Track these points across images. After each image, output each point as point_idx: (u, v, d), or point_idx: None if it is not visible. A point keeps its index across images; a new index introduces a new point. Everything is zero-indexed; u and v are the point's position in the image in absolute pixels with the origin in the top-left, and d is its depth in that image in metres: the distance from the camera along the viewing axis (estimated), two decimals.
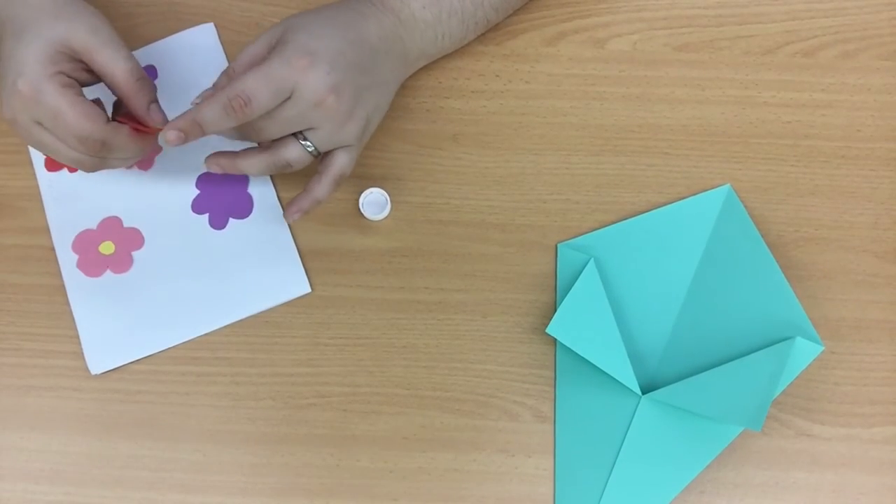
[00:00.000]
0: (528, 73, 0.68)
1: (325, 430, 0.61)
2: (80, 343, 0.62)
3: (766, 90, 0.67)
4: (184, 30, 0.69)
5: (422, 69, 0.66)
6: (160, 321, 0.63)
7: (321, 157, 0.59)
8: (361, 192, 0.64)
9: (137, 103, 0.57)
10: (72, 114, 0.54)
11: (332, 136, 0.57)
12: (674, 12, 0.69)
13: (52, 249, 0.64)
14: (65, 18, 0.55)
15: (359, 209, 0.64)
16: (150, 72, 0.67)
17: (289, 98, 0.55)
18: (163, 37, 0.68)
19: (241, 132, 0.58)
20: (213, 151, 0.60)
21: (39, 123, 0.55)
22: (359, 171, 0.64)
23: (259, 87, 0.54)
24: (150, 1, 0.69)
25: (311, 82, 0.55)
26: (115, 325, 0.62)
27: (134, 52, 0.67)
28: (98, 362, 0.62)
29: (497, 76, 0.68)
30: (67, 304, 0.63)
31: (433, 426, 0.61)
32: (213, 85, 0.58)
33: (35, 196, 0.66)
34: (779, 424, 0.61)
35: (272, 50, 0.57)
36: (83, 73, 0.57)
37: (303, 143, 0.57)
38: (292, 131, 0.57)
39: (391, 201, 0.65)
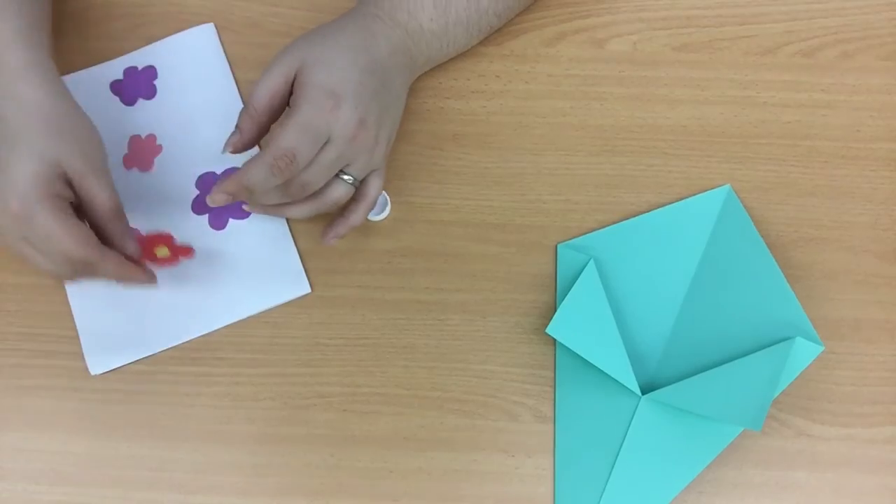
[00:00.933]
0: (528, 73, 0.68)
1: (325, 430, 0.61)
2: (79, 343, 0.62)
3: (766, 90, 0.67)
4: (184, 30, 0.69)
5: None
6: (160, 321, 0.63)
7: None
8: None
9: (113, 232, 0.57)
10: (66, 237, 0.53)
11: (366, 165, 0.59)
12: (674, 12, 0.69)
13: None
14: (61, 137, 0.54)
15: None
16: (150, 72, 0.67)
17: (326, 142, 0.56)
18: (163, 37, 0.68)
19: (289, 193, 0.58)
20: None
21: (26, 239, 0.54)
22: None
23: (300, 141, 0.54)
24: (149, 1, 0.69)
25: (342, 121, 0.55)
26: (115, 326, 0.62)
27: (134, 53, 0.67)
28: (98, 363, 0.62)
29: (497, 77, 0.68)
30: (67, 304, 0.63)
31: (433, 426, 0.61)
32: (237, 126, 0.58)
33: None
34: (779, 424, 0.61)
35: (294, 91, 0.56)
36: (73, 194, 0.56)
37: (344, 177, 0.58)
38: (334, 174, 0.58)
39: (391, 201, 0.65)
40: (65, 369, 0.62)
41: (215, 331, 0.63)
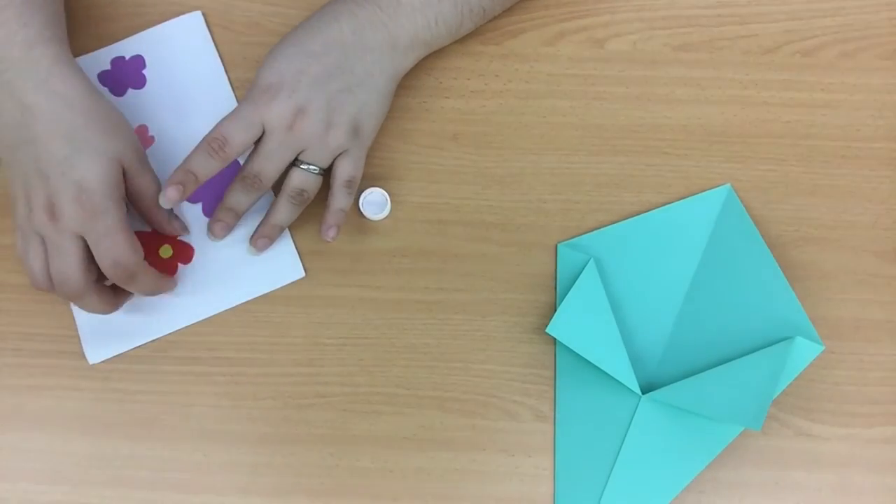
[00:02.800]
0: (528, 72, 0.68)
1: (325, 430, 0.61)
2: (79, 343, 0.62)
3: (766, 90, 0.67)
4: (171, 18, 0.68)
5: (421, 69, 0.66)
6: (157, 309, 0.63)
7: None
8: (361, 191, 0.64)
9: (160, 218, 0.61)
10: (124, 241, 0.56)
11: (321, 150, 0.60)
12: (674, 12, 0.69)
13: None
14: (115, 134, 0.57)
15: (359, 209, 0.64)
16: (138, 62, 0.67)
17: (264, 133, 0.59)
18: None
19: (249, 185, 0.60)
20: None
21: (79, 236, 0.55)
22: None
23: (231, 127, 0.58)
24: (149, 1, 0.69)
25: (275, 112, 0.58)
26: (113, 314, 0.62)
27: (120, 42, 0.68)
28: (95, 352, 0.62)
29: (497, 76, 0.68)
30: (67, 303, 0.63)
31: (433, 426, 0.61)
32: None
33: None
34: (778, 424, 0.61)
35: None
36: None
37: (301, 167, 0.60)
38: (286, 162, 0.60)
39: (391, 201, 0.65)
40: (65, 369, 0.62)
41: (215, 331, 0.63)
